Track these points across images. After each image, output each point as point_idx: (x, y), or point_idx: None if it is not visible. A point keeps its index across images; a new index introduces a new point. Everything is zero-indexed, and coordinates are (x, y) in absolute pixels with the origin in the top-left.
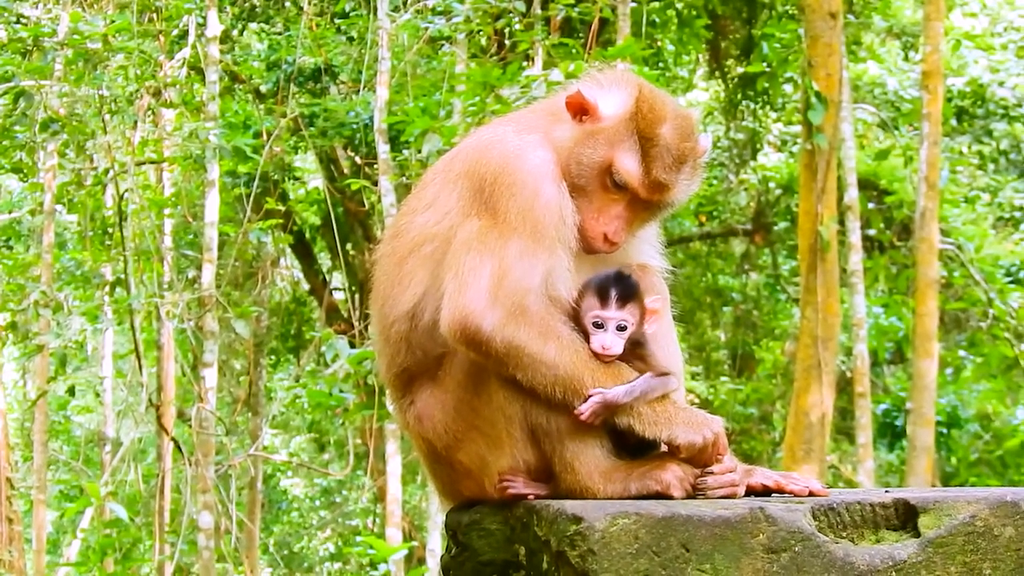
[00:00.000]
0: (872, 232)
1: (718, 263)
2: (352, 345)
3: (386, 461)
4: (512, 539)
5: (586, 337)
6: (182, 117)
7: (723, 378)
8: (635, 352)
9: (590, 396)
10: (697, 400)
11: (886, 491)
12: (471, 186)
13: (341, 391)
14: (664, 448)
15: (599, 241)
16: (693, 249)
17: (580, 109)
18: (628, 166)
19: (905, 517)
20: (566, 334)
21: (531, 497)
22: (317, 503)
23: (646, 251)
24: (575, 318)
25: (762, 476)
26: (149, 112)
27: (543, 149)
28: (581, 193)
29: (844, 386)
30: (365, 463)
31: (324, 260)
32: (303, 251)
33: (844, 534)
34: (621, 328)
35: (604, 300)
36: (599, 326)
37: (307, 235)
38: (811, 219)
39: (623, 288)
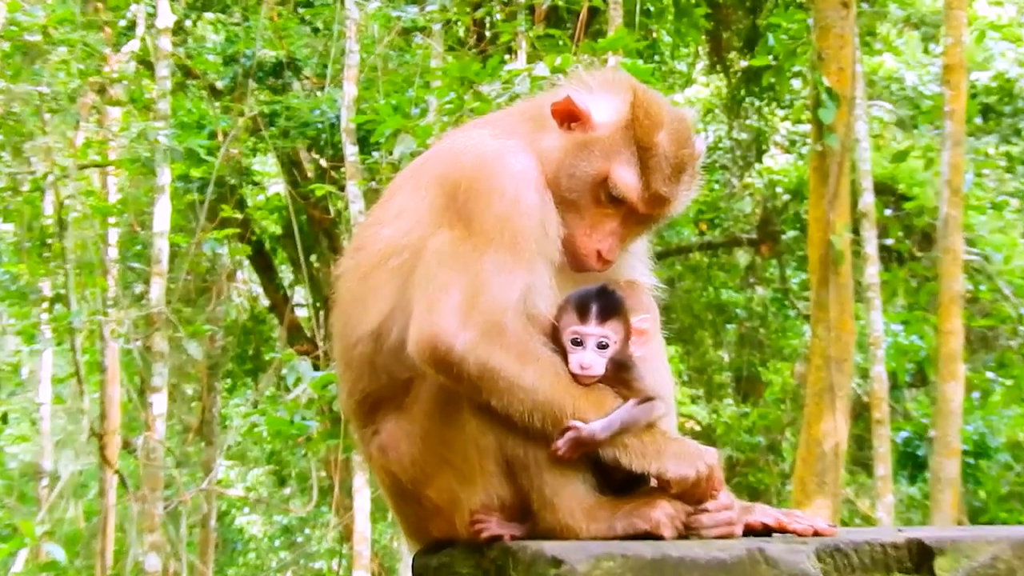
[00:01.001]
0: (890, 242)
1: (720, 276)
2: (316, 367)
3: (353, 496)
4: None
5: (564, 356)
6: (129, 116)
7: (726, 402)
8: (619, 376)
9: (566, 430)
10: (698, 427)
11: (899, 530)
12: (443, 194)
13: (303, 418)
14: (653, 483)
15: (592, 259)
16: (693, 260)
17: (569, 116)
18: (627, 179)
19: (919, 559)
20: (546, 356)
21: (507, 538)
22: (277, 543)
23: (635, 266)
24: (554, 337)
25: (762, 514)
26: (93, 111)
27: (525, 155)
28: (571, 207)
29: (860, 412)
30: (330, 498)
31: (285, 273)
32: (262, 263)
33: None
34: (602, 346)
35: (583, 315)
36: (577, 343)
37: (267, 246)
38: (822, 228)
39: (605, 303)
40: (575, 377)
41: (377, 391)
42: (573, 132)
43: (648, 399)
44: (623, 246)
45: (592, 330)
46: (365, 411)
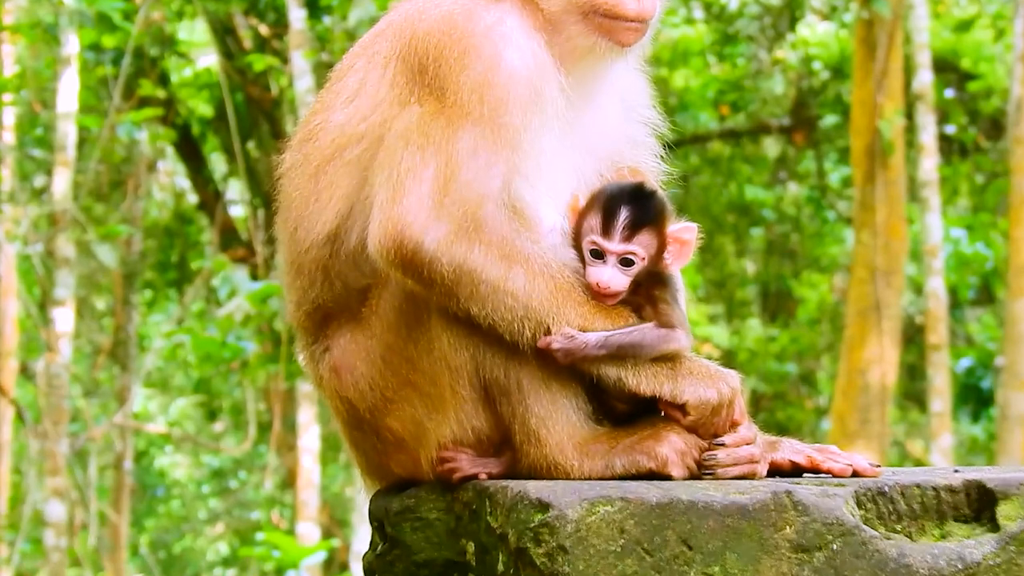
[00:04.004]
0: (951, 129)
1: (745, 170)
2: (254, 277)
3: (298, 433)
4: (457, 532)
5: (581, 258)
6: None
7: (751, 323)
8: (649, 292)
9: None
10: (716, 352)
11: (955, 471)
12: (407, 67)
13: (238, 339)
14: (662, 414)
15: (628, 2)
16: (712, 151)
17: None
18: None
19: (979, 505)
20: (537, 255)
21: (481, 477)
22: (205, 489)
23: (636, 148)
24: (575, 234)
25: (790, 450)
26: None
27: (497, 3)
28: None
29: (913, 335)
30: (270, 436)
31: (217, 164)
32: (189, 152)
33: (898, 527)
34: (626, 263)
35: (608, 226)
36: (597, 256)
37: (195, 130)
38: (869, 112)
39: (638, 212)
40: (593, 293)
41: (330, 301)
42: None
43: (668, 326)
44: None
45: (616, 247)
46: (315, 325)
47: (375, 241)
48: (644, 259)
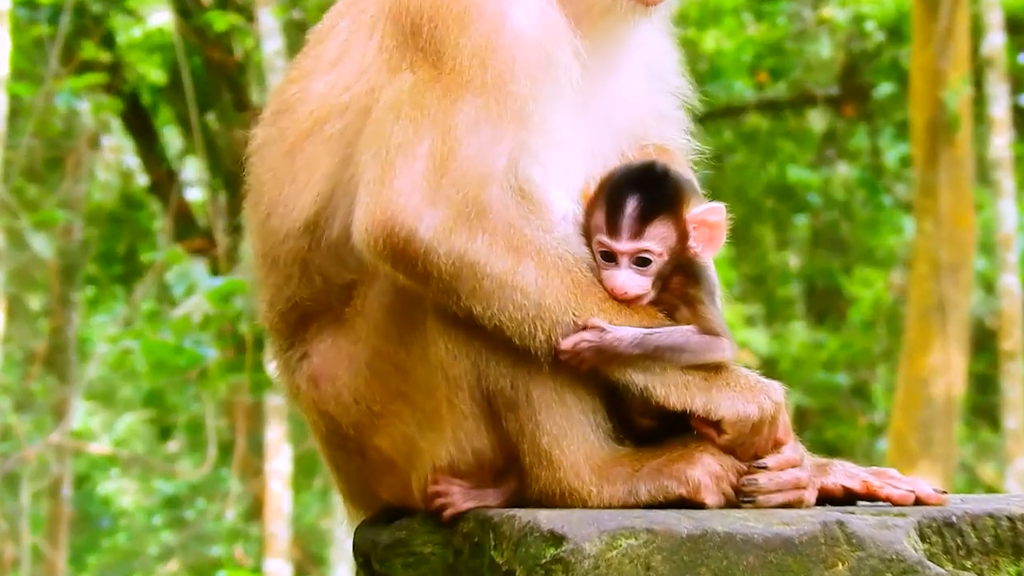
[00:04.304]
0: None
1: (787, 147)
2: (215, 272)
3: (266, 455)
4: (456, 568)
5: (596, 262)
6: None
7: (795, 326)
8: (684, 291)
9: (585, 328)
10: (754, 359)
11: None
12: (398, 29)
13: (196, 344)
14: (694, 432)
15: None
16: (748, 125)
17: None
18: None
19: None
20: (550, 246)
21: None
22: (157, 520)
23: (663, 122)
24: (584, 232)
25: (843, 474)
26: None
27: None
28: None
29: (983, 340)
30: (232, 458)
31: (172, 139)
32: (139, 125)
33: (968, 563)
34: (642, 262)
35: (614, 224)
36: (609, 258)
37: (145, 100)
38: (930, 80)
39: (646, 202)
40: (612, 295)
41: (309, 299)
42: None
43: (712, 333)
44: None
45: (624, 246)
46: (291, 327)
47: (361, 229)
48: (662, 254)
